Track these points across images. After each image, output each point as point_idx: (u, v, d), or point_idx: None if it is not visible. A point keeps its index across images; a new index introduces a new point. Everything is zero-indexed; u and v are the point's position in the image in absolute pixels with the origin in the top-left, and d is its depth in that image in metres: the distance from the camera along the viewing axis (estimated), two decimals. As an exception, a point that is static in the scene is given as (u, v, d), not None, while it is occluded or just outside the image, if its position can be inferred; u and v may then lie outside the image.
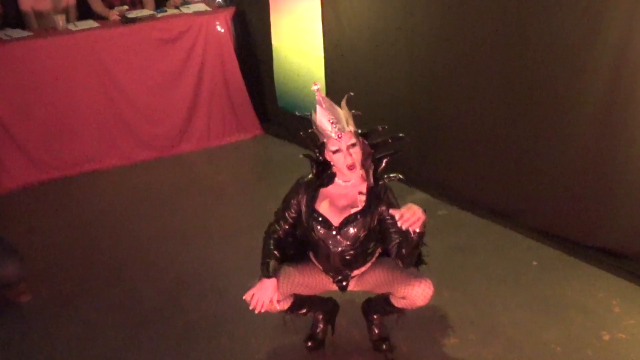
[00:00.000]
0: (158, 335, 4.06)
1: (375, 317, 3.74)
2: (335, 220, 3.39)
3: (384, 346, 3.75)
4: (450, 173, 5.38)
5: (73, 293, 4.56)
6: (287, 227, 3.51)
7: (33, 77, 6.24)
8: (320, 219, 3.39)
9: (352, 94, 3.35)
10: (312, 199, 3.42)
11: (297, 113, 3.47)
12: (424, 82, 5.41)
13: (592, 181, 4.40)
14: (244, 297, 3.40)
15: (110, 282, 4.65)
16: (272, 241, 3.49)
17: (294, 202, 3.46)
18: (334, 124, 3.22)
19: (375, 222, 3.38)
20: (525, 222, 4.86)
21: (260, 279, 3.39)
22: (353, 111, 3.31)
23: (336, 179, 3.38)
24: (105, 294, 4.52)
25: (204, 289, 4.49)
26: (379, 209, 3.35)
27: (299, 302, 3.60)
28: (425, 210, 3.02)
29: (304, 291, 3.55)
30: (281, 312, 3.55)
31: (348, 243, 3.40)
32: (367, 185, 3.37)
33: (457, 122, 5.20)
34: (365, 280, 3.54)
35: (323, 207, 3.40)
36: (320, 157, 3.37)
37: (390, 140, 3.37)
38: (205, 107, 6.92)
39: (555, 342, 3.77)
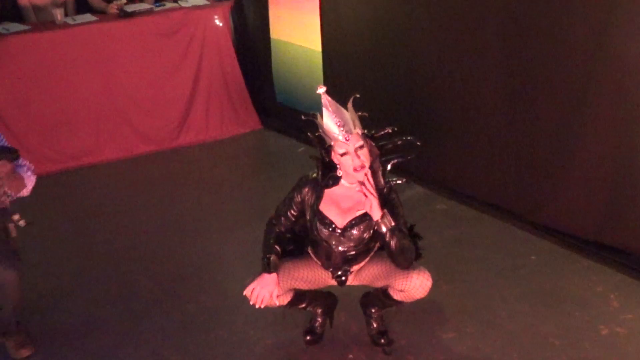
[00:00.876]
0: (156, 328, 4.06)
1: (373, 310, 3.73)
2: (340, 222, 3.38)
3: (382, 340, 3.75)
4: (449, 167, 5.37)
5: (71, 286, 4.56)
6: (288, 223, 3.50)
7: (31, 70, 6.24)
8: (324, 220, 3.39)
9: (357, 95, 3.32)
10: (317, 199, 3.40)
11: (303, 117, 3.42)
12: (423, 76, 5.41)
13: (592, 176, 4.40)
14: (244, 293, 3.39)
15: (108, 275, 4.65)
16: (272, 235, 3.48)
17: (297, 200, 3.44)
18: (341, 127, 3.20)
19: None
20: (524, 216, 4.86)
21: (260, 274, 3.39)
22: (360, 113, 3.28)
23: (341, 181, 3.35)
24: (104, 287, 4.51)
25: (202, 281, 4.50)
26: (387, 197, 3.33)
27: (299, 296, 3.59)
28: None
29: (303, 286, 3.55)
30: (281, 306, 3.55)
31: (351, 244, 3.41)
32: (371, 185, 3.33)
33: (457, 116, 5.19)
34: (363, 274, 3.54)
35: (327, 208, 3.39)
36: (327, 158, 3.33)
37: (399, 142, 3.34)
38: (203, 101, 6.92)
39: (553, 335, 3.78)
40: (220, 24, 6.89)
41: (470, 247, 4.68)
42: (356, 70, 5.90)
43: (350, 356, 3.73)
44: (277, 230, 3.50)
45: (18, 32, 6.26)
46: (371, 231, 3.37)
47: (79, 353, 3.90)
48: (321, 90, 3.23)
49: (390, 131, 3.34)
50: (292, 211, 3.47)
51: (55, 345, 3.97)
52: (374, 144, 3.33)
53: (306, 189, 3.42)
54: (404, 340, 3.80)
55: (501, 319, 3.95)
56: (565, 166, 4.52)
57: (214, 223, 5.27)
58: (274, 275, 3.37)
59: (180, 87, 6.82)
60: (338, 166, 3.29)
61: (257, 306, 3.37)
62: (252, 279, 3.41)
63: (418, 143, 3.35)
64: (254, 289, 3.37)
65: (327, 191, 3.39)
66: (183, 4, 6.90)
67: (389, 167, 3.34)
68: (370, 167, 3.29)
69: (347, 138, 3.20)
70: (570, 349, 3.67)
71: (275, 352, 3.81)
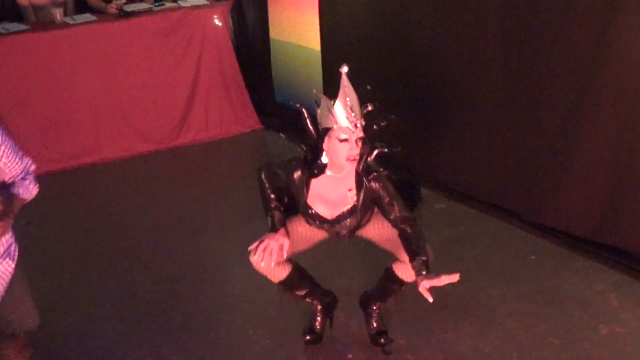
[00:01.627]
0: (156, 327, 4.06)
1: (374, 308, 3.72)
2: (328, 215, 3.36)
3: (382, 339, 3.74)
4: (449, 167, 5.37)
5: (71, 285, 4.56)
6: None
7: (31, 70, 6.25)
8: (313, 214, 3.36)
9: (369, 87, 3.27)
10: (304, 191, 3.34)
11: (315, 91, 3.37)
12: (422, 75, 5.41)
13: (592, 176, 4.40)
14: (249, 249, 3.33)
15: (108, 274, 4.65)
16: (269, 190, 3.42)
17: (287, 182, 3.36)
18: (352, 113, 3.12)
19: (370, 205, 3.34)
20: (523, 216, 4.86)
21: (266, 234, 3.34)
22: (368, 107, 3.23)
23: (326, 170, 3.29)
24: (103, 286, 4.52)
25: (202, 280, 4.50)
26: (371, 188, 3.26)
27: (299, 277, 3.57)
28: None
29: (303, 245, 3.50)
30: (279, 282, 3.52)
31: (345, 231, 3.40)
32: (355, 177, 3.27)
33: (456, 115, 5.19)
34: (367, 230, 3.49)
35: (315, 202, 3.35)
36: (309, 155, 3.27)
37: (383, 124, 3.26)
38: (203, 101, 6.93)
39: (552, 334, 3.78)
40: (220, 24, 6.90)
41: (470, 247, 4.68)
42: (355, 70, 5.86)
43: (350, 356, 3.73)
44: (270, 184, 3.43)
45: (17, 32, 6.27)
46: (363, 216, 3.35)
47: (79, 353, 3.90)
48: (345, 69, 3.18)
49: (371, 108, 3.24)
50: (278, 185, 3.42)
51: (55, 345, 3.97)
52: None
53: (295, 176, 3.33)
54: (403, 340, 3.80)
55: (500, 318, 3.95)
56: (565, 166, 4.52)
57: (214, 222, 5.28)
58: (281, 230, 3.33)
59: (180, 87, 6.83)
60: (324, 153, 3.21)
61: (263, 262, 3.29)
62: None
63: (402, 125, 3.28)
64: (261, 242, 3.29)
65: (313, 182, 3.32)
66: (182, 4, 6.91)
67: (372, 156, 3.25)
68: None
69: (356, 125, 3.14)
70: (570, 348, 3.67)
71: (274, 352, 3.81)
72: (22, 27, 6.38)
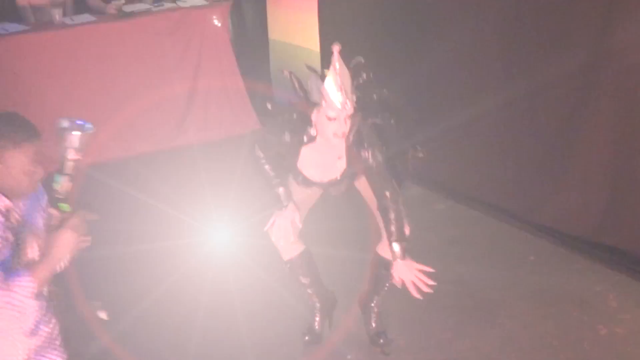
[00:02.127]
0: (156, 328, 4.06)
1: (372, 305, 3.73)
2: (319, 178, 3.38)
3: (381, 340, 3.75)
4: (448, 167, 5.37)
5: (71, 286, 4.55)
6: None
7: (30, 71, 6.23)
8: (304, 178, 3.38)
9: (362, 60, 3.24)
10: (294, 155, 3.33)
11: (306, 65, 3.36)
12: (421, 75, 5.40)
13: (591, 176, 4.40)
14: (265, 229, 3.41)
15: (107, 274, 4.64)
16: (266, 164, 3.43)
17: (276, 142, 3.36)
18: (342, 92, 3.07)
19: (359, 173, 3.37)
20: (523, 216, 4.86)
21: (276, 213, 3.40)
22: (363, 76, 3.20)
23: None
24: (103, 287, 4.50)
25: (202, 281, 4.49)
26: (361, 157, 3.24)
27: (308, 261, 3.62)
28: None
29: (307, 205, 3.54)
30: (289, 261, 3.58)
31: (335, 193, 3.46)
32: (346, 144, 3.24)
33: (456, 115, 5.19)
34: (360, 183, 3.50)
35: (305, 166, 3.35)
36: (297, 120, 3.24)
37: (375, 96, 3.29)
38: (202, 101, 6.91)
39: (552, 335, 3.78)
40: (219, 24, 6.88)
41: (469, 247, 4.68)
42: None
43: (349, 356, 3.74)
44: (267, 157, 3.44)
45: (16, 33, 6.26)
46: (353, 180, 3.41)
47: (79, 353, 3.89)
48: (337, 48, 3.13)
49: (366, 78, 3.21)
50: (270, 150, 3.44)
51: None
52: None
53: (286, 138, 3.29)
54: (402, 340, 3.81)
55: (500, 318, 3.95)
56: (565, 166, 4.52)
57: (213, 223, 5.27)
58: (290, 205, 3.38)
59: (179, 88, 6.81)
60: (314, 124, 3.20)
61: (281, 241, 3.40)
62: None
63: (393, 99, 3.32)
64: (273, 222, 3.37)
65: (302, 148, 3.31)
66: (181, 5, 6.89)
67: (365, 127, 3.23)
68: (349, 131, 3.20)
69: (346, 105, 3.09)
70: (569, 349, 3.68)
71: (274, 352, 3.82)
72: (21, 27, 6.37)
